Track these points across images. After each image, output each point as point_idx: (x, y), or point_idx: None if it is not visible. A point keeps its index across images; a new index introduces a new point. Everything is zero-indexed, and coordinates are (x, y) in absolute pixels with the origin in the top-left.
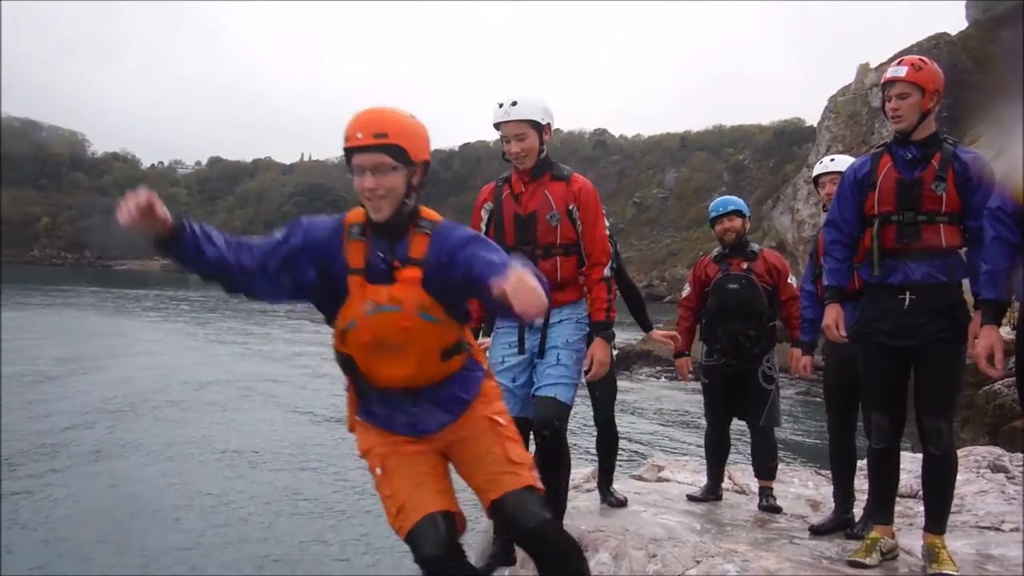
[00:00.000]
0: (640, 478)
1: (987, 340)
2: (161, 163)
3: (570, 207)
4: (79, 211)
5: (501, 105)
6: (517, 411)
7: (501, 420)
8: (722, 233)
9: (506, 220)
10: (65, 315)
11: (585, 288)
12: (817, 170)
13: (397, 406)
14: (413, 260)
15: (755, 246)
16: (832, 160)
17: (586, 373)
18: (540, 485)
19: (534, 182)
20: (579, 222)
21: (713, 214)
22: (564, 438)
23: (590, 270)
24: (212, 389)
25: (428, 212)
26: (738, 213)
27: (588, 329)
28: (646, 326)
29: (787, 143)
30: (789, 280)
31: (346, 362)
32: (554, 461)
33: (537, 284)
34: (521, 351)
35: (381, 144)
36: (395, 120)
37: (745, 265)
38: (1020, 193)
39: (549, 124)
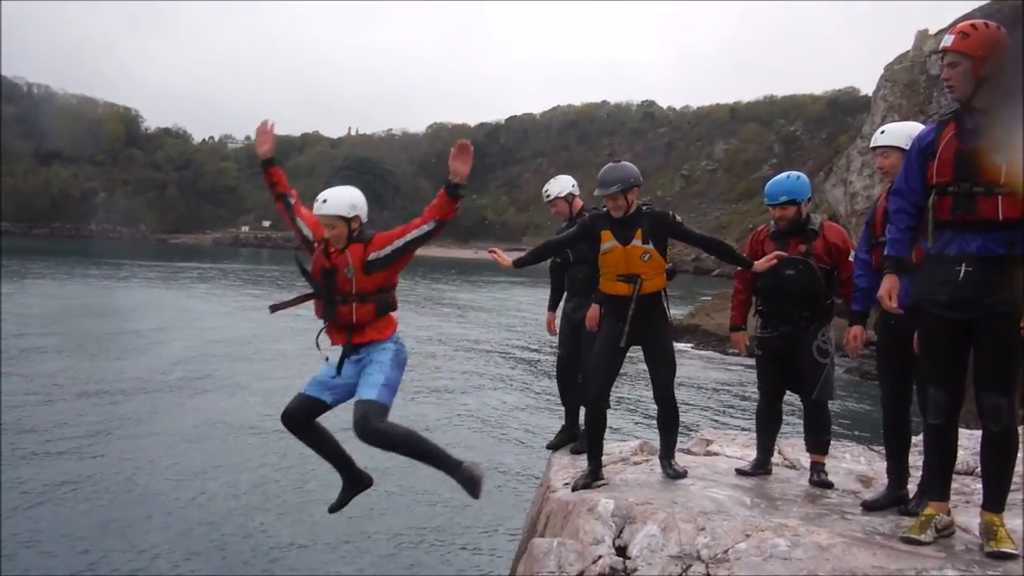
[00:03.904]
0: (688, 452)
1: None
2: (212, 138)
3: (369, 259)
4: (134, 186)
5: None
6: (316, 393)
7: None
8: (776, 219)
9: (314, 271)
10: (123, 287)
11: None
12: (872, 143)
13: None
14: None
15: (816, 221)
16: (882, 133)
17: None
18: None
19: (340, 250)
20: (386, 265)
21: (767, 201)
22: (382, 428)
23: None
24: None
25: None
26: (792, 202)
27: (399, 357)
28: (746, 264)
29: (841, 113)
30: (851, 257)
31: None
32: (386, 444)
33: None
34: (339, 373)
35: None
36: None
37: (803, 248)
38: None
39: (357, 216)
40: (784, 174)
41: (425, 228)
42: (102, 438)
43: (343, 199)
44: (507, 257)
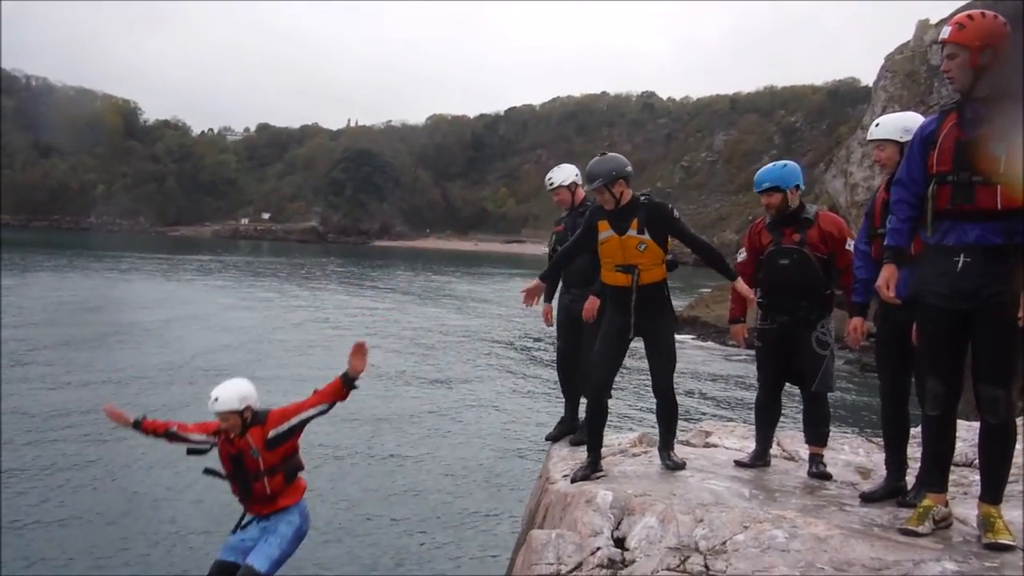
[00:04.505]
0: (687, 443)
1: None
2: (211, 130)
3: (268, 437)
4: (133, 178)
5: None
6: (232, 558)
7: None
8: (764, 207)
9: (223, 461)
10: (125, 280)
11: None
12: (867, 136)
13: None
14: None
15: (811, 210)
16: (877, 126)
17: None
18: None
19: (240, 435)
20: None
21: (755, 188)
22: None
23: None
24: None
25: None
26: (776, 189)
27: (300, 532)
28: (731, 276)
29: (841, 104)
30: (848, 246)
31: None
32: None
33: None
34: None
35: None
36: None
37: (797, 237)
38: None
39: (248, 406)
40: (773, 163)
41: (319, 408)
42: (104, 429)
43: (232, 396)
44: (532, 283)
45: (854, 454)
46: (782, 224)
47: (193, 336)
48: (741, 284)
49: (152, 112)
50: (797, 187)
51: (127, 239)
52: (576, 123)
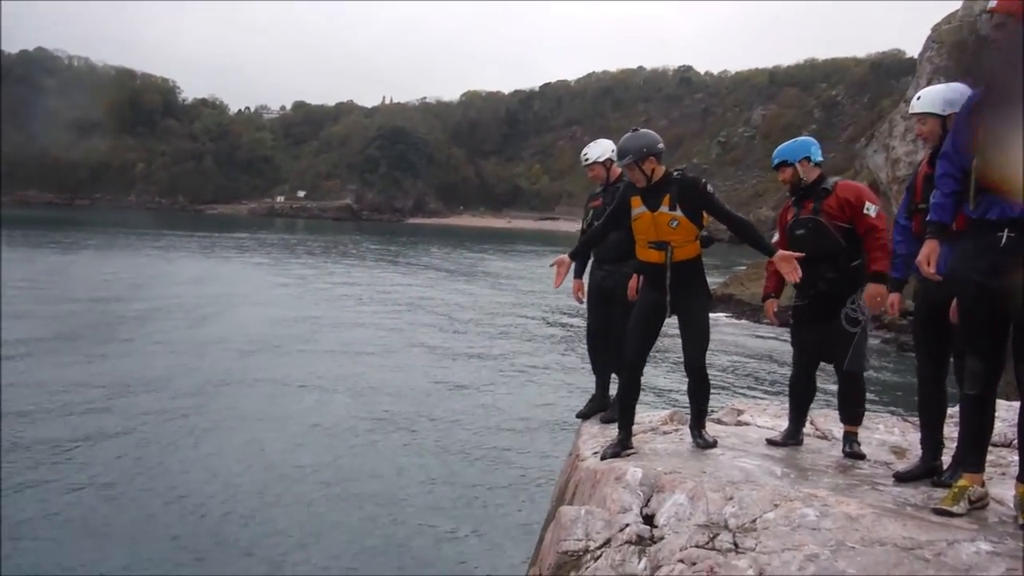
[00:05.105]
0: (719, 421)
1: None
2: (248, 108)
3: None
4: (171, 157)
5: None
6: None
7: None
8: (781, 183)
9: None
10: (166, 258)
11: None
12: (909, 110)
13: None
14: None
15: (830, 182)
16: (918, 99)
17: None
18: None
19: None
20: None
21: (773, 167)
22: None
23: None
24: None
25: None
26: (785, 163)
27: None
28: (768, 251)
29: (885, 76)
30: (866, 210)
31: None
32: None
33: None
34: None
35: None
36: None
37: (812, 206)
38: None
39: None
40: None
41: None
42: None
43: None
44: (562, 258)
45: (889, 433)
46: (802, 198)
47: (237, 313)
48: (782, 252)
49: (190, 91)
50: (808, 159)
51: (166, 217)
52: (612, 99)
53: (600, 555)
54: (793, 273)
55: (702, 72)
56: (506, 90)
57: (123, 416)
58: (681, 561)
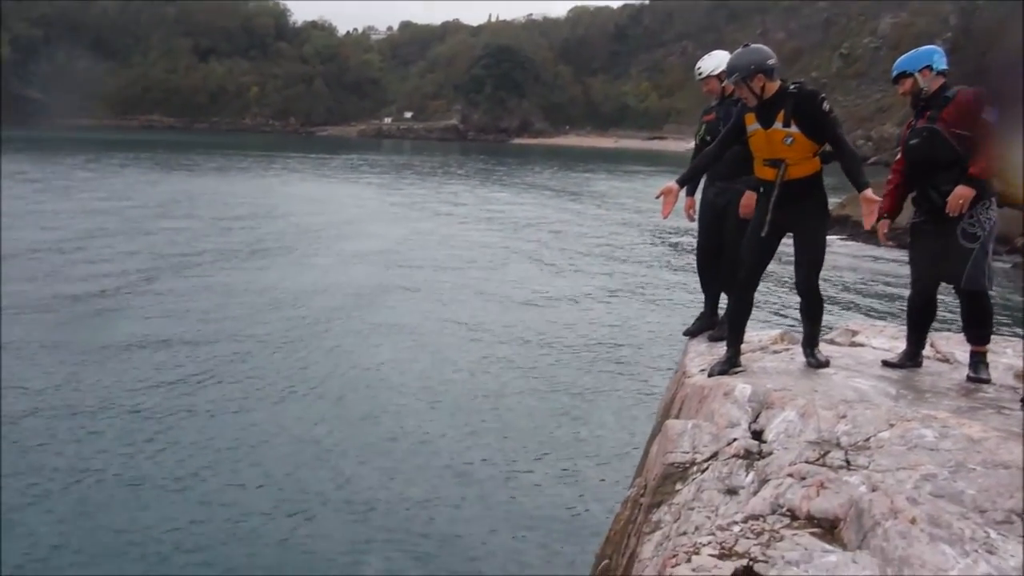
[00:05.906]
0: (832, 342)
1: None
2: (356, 30)
3: None
4: (284, 80)
5: None
6: None
7: None
8: (901, 95)
9: None
10: (281, 181)
11: None
12: None
13: None
14: None
15: (952, 91)
16: None
17: None
18: None
19: None
20: None
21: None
22: None
23: None
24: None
25: None
26: (904, 75)
27: None
28: (860, 184)
29: None
30: (985, 115)
31: None
32: None
33: None
34: None
35: None
36: None
37: (930, 114)
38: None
39: None
40: None
41: None
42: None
43: None
44: (670, 186)
45: (1017, 358)
46: (923, 109)
47: (368, 229)
48: (867, 194)
49: (300, 14)
50: (930, 68)
51: (280, 139)
52: (726, 10)
53: (707, 467)
54: (870, 216)
55: None
56: (615, 4)
57: (286, 324)
58: (790, 476)
